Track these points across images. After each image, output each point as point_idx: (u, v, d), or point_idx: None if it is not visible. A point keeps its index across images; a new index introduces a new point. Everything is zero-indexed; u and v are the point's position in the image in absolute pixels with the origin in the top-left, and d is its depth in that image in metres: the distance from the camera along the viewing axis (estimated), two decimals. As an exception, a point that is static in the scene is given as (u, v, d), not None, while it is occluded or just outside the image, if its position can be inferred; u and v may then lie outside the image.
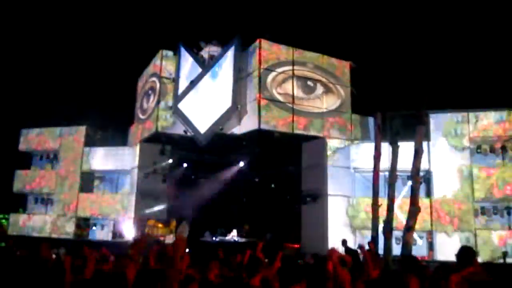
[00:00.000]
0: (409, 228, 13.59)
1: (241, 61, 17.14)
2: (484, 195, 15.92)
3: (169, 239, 18.63)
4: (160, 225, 18.79)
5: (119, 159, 20.48)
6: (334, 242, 13.94)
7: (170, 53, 18.93)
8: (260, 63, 16.46)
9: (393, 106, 15.96)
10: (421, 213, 14.06)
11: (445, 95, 16.21)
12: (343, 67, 18.12)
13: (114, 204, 20.11)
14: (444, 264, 10.21)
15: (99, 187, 21.60)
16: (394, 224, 13.94)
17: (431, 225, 16.18)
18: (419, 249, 15.75)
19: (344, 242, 12.91)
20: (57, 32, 24.25)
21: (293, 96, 16.72)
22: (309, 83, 17.19)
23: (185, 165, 20.23)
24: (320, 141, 17.21)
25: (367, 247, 7.76)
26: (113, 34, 23.30)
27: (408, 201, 13.82)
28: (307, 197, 17.34)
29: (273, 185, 20.92)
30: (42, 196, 21.95)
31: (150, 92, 19.38)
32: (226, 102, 16.81)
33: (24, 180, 22.24)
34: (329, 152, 17.13)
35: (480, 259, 14.32)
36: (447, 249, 15.16)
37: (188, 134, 17.51)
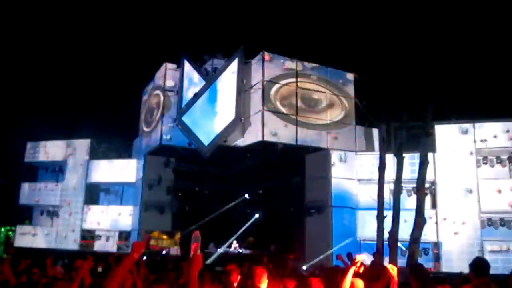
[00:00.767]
0: (414, 239, 13.50)
1: (244, 73, 17.22)
2: (490, 207, 15.75)
3: (174, 250, 18.64)
4: (164, 236, 18.79)
5: (124, 172, 20.53)
6: (338, 253, 13.81)
7: (173, 66, 19.06)
8: (263, 75, 16.52)
9: (398, 117, 15.91)
10: (427, 225, 13.96)
11: (450, 106, 16.14)
12: (346, 79, 18.14)
13: (119, 216, 20.14)
14: (452, 275, 10.12)
15: (104, 199, 21.66)
16: (399, 235, 13.82)
17: (437, 236, 16.00)
18: (424, 261, 15.57)
19: (349, 256, 12.79)
20: (64, 47, 24.55)
21: (296, 108, 16.74)
22: (314, 96, 17.21)
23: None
24: (324, 152, 17.17)
25: (370, 258, 7.70)
26: (118, 48, 23.56)
27: (413, 212, 13.74)
28: (311, 209, 17.25)
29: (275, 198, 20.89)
30: (47, 208, 22.03)
31: (154, 105, 19.50)
32: (229, 114, 16.85)
33: (30, 193, 22.35)
34: (333, 164, 17.07)
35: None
36: (453, 260, 14.98)
37: (192, 146, 17.56)
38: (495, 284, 4.43)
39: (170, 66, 18.97)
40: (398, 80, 15.40)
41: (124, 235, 20.22)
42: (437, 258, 16.14)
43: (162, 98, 18.73)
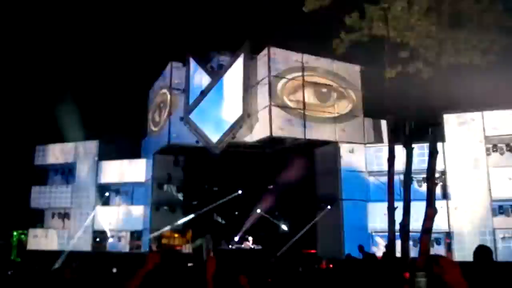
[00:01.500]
0: (426, 230, 13.47)
1: (250, 69, 17.22)
2: (501, 194, 15.70)
3: (185, 249, 18.73)
4: (176, 235, 18.89)
5: (133, 172, 20.65)
6: (350, 246, 13.87)
7: (179, 64, 19.07)
8: (269, 70, 16.51)
9: (406, 108, 15.85)
10: (438, 215, 13.92)
11: (458, 95, 16.06)
12: (353, 71, 18.10)
13: (130, 216, 20.28)
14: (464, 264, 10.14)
15: (115, 200, 21.80)
16: (411, 226, 13.80)
17: (449, 226, 15.99)
18: (437, 251, 15.56)
19: (360, 248, 12.83)
20: (70, 48, 24.66)
21: (303, 102, 16.72)
22: (323, 89, 17.17)
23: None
24: (333, 146, 17.17)
25: (382, 250, 7.69)
26: (124, 48, 23.63)
27: (424, 203, 13.70)
28: (322, 203, 17.28)
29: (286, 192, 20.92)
30: (59, 210, 22.20)
31: (161, 104, 19.56)
32: (237, 111, 16.88)
33: (41, 196, 22.55)
34: (342, 157, 17.07)
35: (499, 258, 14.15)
36: (465, 249, 14.96)
37: (200, 144, 17.59)
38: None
39: (176, 64, 18.95)
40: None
41: (136, 235, 20.37)
42: (449, 247, 16.14)
43: (169, 97, 18.77)
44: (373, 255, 11.34)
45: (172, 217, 19.13)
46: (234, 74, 17.41)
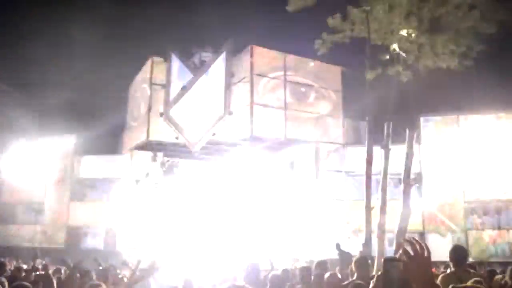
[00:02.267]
0: (401, 230, 13.74)
1: (233, 66, 17.21)
2: (474, 197, 16.17)
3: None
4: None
5: (110, 167, 20.31)
6: (328, 245, 14.03)
7: (160, 59, 18.88)
8: (252, 68, 16.55)
9: (384, 110, 16.14)
10: (413, 215, 14.22)
11: (436, 99, 16.44)
12: (334, 72, 18.29)
13: (106, 212, 19.93)
14: (437, 264, 10.39)
15: (90, 196, 21.37)
16: (387, 226, 14.05)
17: (423, 226, 16.35)
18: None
19: (337, 246, 13.03)
20: (49, 39, 24.12)
21: (285, 101, 16.83)
22: (302, 89, 17.32)
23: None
24: (313, 146, 17.31)
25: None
26: (104, 42, 23.24)
27: (400, 203, 13.97)
28: (302, 203, 17.38)
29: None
30: (31, 205, 21.64)
31: (141, 99, 19.34)
32: (218, 108, 16.84)
33: (13, 190, 21.92)
34: (321, 157, 17.23)
35: (471, 258, 14.52)
36: (439, 249, 15.30)
37: (179, 140, 17.46)
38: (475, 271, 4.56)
39: (157, 59, 18.78)
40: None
41: (111, 232, 20.02)
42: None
43: (148, 92, 18.58)
44: (349, 254, 11.57)
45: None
46: (216, 71, 17.36)
